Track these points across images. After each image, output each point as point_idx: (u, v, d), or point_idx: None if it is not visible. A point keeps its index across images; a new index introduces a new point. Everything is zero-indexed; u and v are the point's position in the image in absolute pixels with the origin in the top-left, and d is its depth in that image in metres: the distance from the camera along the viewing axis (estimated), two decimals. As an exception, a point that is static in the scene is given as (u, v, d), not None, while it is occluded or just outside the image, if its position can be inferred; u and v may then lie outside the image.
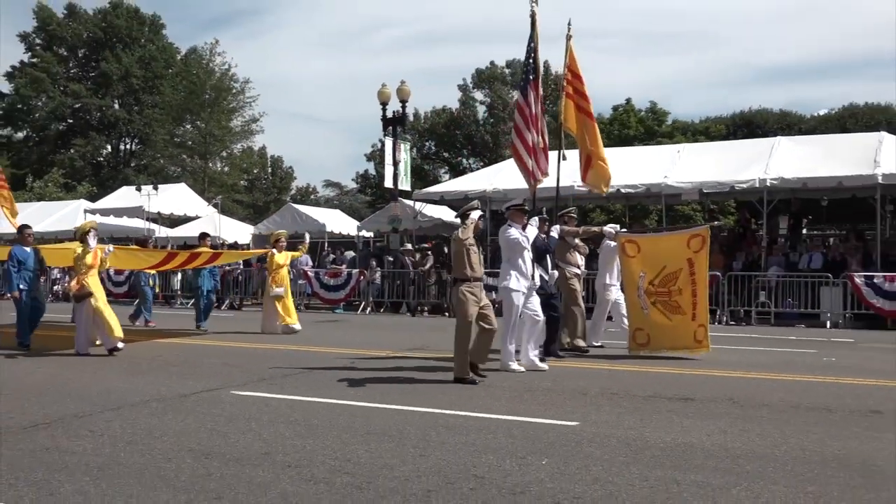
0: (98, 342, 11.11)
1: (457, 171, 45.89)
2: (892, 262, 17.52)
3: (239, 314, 20.48)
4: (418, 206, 23.85)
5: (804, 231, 23.69)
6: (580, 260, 11.97)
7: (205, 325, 15.07)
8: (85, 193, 40.55)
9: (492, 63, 49.74)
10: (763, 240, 20.16)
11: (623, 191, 21.11)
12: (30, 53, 52.91)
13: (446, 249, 13.83)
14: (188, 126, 45.88)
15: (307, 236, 16.31)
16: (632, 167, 21.44)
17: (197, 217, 28.11)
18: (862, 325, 16.83)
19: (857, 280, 16.85)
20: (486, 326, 8.78)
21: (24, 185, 41.46)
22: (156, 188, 25.29)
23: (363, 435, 5.99)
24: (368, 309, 20.91)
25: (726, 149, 23.43)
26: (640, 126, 42.17)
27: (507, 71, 49.56)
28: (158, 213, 26.24)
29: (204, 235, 16.39)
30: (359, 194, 57.37)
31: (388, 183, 22.83)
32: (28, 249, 11.86)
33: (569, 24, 11.73)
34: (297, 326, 14.54)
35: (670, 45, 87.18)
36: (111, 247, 11.74)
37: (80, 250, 11.14)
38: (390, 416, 6.77)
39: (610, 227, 11.98)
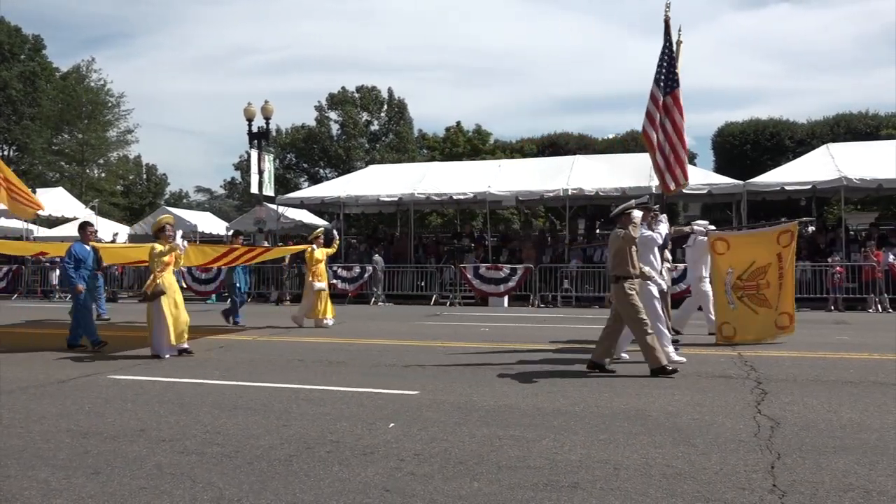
0: (176, 343, 8.88)
1: (315, 180, 45.11)
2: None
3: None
4: (281, 209, 23.41)
5: (598, 231, 24.98)
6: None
7: (241, 321, 13.04)
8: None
9: (343, 88, 49.24)
10: (566, 238, 21.11)
11: (454, 197, 21.51)
12: None
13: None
14: (66, 135, 42.52)
15: (336, 233, 14.53)
16: (461, 178, 21.91)
17: (75, 218, 26.17)
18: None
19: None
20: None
21: None
22: (34, 191, 23.25)
23: (231, 409, 5.76)
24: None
25: (537, 164, 24.32)
26: (468, 144, 42.91)
27: (356, 95, 49.22)
28: (37, 215, 24.18)
29: (237, 234, 14.71)
30: (227, 199, 55.24)
31: (255, 189, 22.11)
32: (88, 247, 9.98)
33: (679, 30, 9.59)
34: (331, 322, 12.75)
35: (490, 78, 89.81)
36: (185, 243, 9.55)
37: (158, 247, 9.05)
38: (256, 392, 6.56)
39: (699, 225, 10.94)
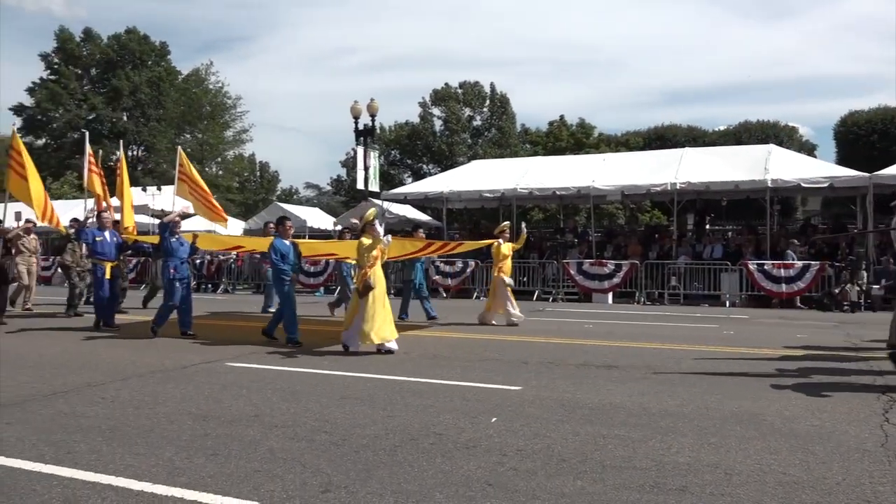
0: (379, 341, 8.55)
1: (418, 176, 45.72)
2: (779, 252, 17.89)
3: (233, 297, 20.22)
4: (385, 205, 23.82)
5: (707, 226, 24.07)
6: None
7: (406, 318, 12.80)
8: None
9: (446, 84, 49.60)
10: (674, 233, 20.46)
11: (558, 192, 21.27)
12: (49, 71, 51.35)
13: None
14: (187, 136, 45.13)
15: (524, 226, 13.61)
16: (564, 172, 21.63)
17: (195, 214, 27.67)
18: (755, 304, 17.17)
19: (751, 267, 17.17)
20: None
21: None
22: (159, 189, 24.94)
23: (338, 399, 5.94)
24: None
25: (643, 158, 23.66)
26: (572, 138, 42.32)
27: (459, 91, 49.48)
28: (161, 210, 25.85)
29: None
30: (334, 195, 56.91)
31: (360, 185, 22.68)
32: (288, 243, 9.91)
33: None
34: (519, 319, 12.19)
35: (592, 70, 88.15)
36: (389, 237, 9.10)
37: (366, 242, 8.75)
38: (363, 383, 6.73)
39: None
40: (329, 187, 56.64)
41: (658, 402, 5.83)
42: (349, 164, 45.71)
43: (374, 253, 8.68)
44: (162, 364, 7.75)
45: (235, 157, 52.80)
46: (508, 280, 12.28)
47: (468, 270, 20.05)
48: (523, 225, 13.79)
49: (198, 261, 23.04)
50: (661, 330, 11.58)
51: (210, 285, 23.12)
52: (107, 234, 11.69)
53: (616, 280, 18.49)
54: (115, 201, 15.01)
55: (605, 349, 9.12)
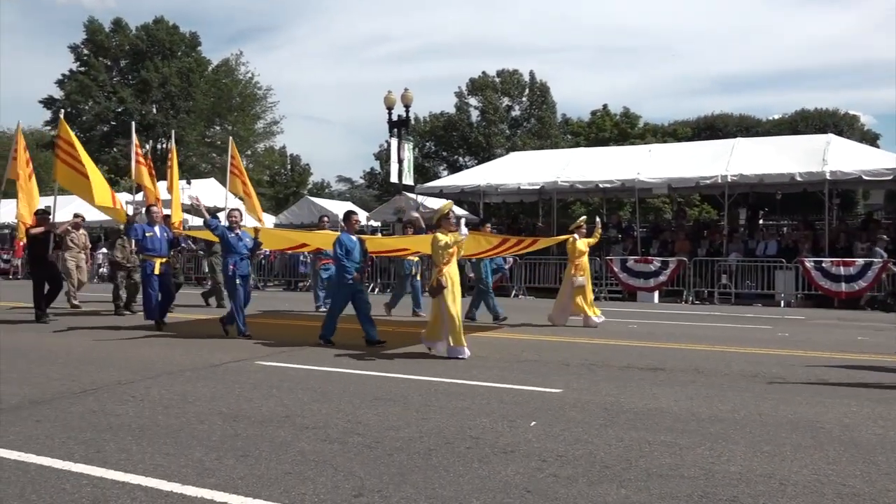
0: (454, 344, 8.31)
1: (454, 168, 45.79)
2: (838, 249, 17.51)
3: (262, 293, 20.51)
4: (420, 198, 23.86)
5: (761, 221, 23.64)
6: None
7: (475, 320, 12.58)
8: (127, 187, 40.42)
9: (483, 73, 49.57)
10: (724, 229, 20.15)
11: (601, 185, 21.10)
12: (78, 63, 52.57)
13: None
14: (217, 128, 45.82)
15: (599, 221, 13.39)
16: (607, 165, 21.46)
17: (225, 209, 28.06)
18: (811, 304, 16.84)
19: (808, 264, 16.84)
20: None
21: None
22: (189, 182, 25.32)
23: (371, 400, 5.98)
24: (377, 290, 20.77)
25: (692, 148, 23.36)
26: (615, 129, 42.03)
27: (497, 80, 49.37)
28: (191, 204, 26.21)
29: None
30: (367, 189, 57.27)
31: (394, 178, 22.77)
32: (354, 238, 9.73)
33: None
34: (599, 319, 11.92)
35: (636, 58, 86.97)
36: (466, 230, 8.67)
37: (442, 238, 8.40)
38: (395, 384, 6.76)
39: None
40: (362, 180, 57.08)
41: (707, 407, 5.75)
42: (383, 156, 45.99)
43: (451, 250, 8.43)
44: (192, 362, 7.89)
45: (266, 149, 53.44)
46: (580, 280, 11.89)
47: (505, 267, 19.97)
48: (598, 220, 13.44)
49: None
50: (711, 331, 11.43)
51: None
52: (157, 229, 11.46)
53: (662, 278, 18.29)
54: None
55: (651, 350, 9.03)
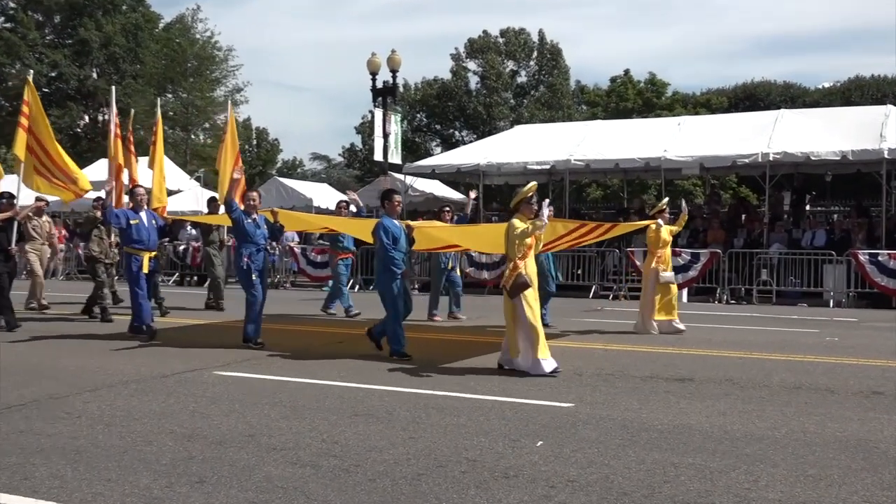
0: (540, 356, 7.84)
1: (449, 144, 45.83)
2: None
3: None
4: (409, 180, 23.80)
5: (807, 207, 23.72)
6: None
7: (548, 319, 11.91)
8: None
9: (485, 32, 49.55)
10: (765, 216, 20.20)
11: (621, 165, 21.12)
12: (3, 17, 52.22)
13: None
14: (170, 96, 45.69)
15: (684, 203, 12.92)
16: (630, 141, 21.45)
17: (179, 191, 28.00)
18: (866, 304, 16.91)
19: (862, 258, 16.89)
20: None
21: (-4, 157, 41.13)
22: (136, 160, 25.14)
23: (350, 416, 5.99)
24: (357, 287, 20.75)
25: (728, 121, 23.36)
26: (639, 98, 42.06)
27: (500, 40, 49.33)
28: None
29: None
30: (347, 168, 57.26)
31: (378, 156, 22.78)
32: (398, 224, 9.23)
33: None
34: (682, 325, 11.53)
35: (666, 14, 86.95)
36: (547, 214, 8.09)
37: (519, 225, 8.09)
38: (379, 397, 6.77)
39: None
40: (341, 158, 57.06)
41: (742, 425, 5.78)
42: (365, 129, 45.96)
43: (528, 240, 8.08)
44: (137, 372, 7.88)
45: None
46: (667, 275, 11.59)
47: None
48: (683, 203, 12.93)
49: (181, 247, 23.26)
50: (748, 335, 11.47)
51: (196, 277, 23.31)
52: (143, 215, 10.75)
53: (692, 273, 18.34)
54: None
55: (678, 358, 9.06)
